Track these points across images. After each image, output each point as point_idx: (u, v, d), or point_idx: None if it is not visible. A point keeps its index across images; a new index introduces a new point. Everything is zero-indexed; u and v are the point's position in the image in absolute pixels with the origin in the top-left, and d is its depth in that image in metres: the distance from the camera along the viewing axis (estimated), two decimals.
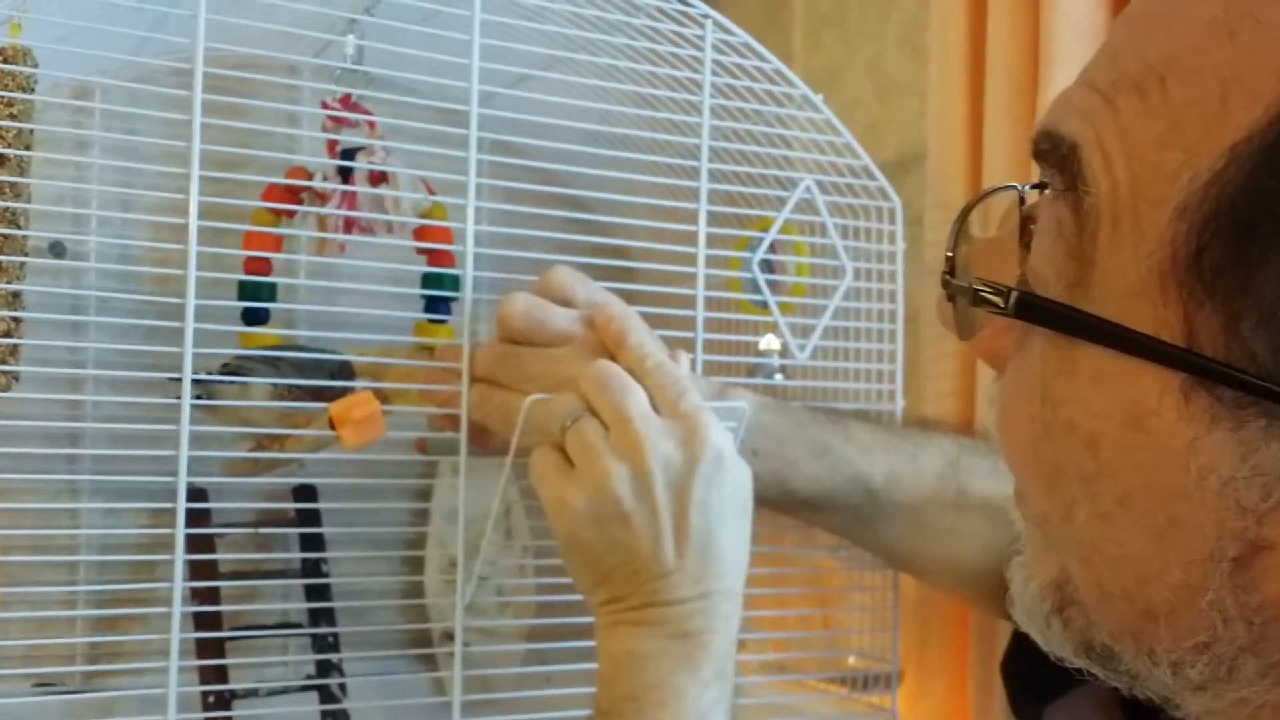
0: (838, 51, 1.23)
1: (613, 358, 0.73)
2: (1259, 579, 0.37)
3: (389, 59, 0.83)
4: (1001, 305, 0.41)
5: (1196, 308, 0.36)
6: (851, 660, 0.95)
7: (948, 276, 0.45)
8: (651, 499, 0.68)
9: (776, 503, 0.81)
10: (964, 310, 0.44)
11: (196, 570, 0.82)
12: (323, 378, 0.79)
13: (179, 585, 0.70)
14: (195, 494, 0.82)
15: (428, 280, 0.87)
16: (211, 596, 0.83)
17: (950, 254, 0.46)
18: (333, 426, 0.74)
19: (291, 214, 0.85)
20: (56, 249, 0.87)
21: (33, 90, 0.71)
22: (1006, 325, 0.43)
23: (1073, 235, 0.39)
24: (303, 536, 0.90)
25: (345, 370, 0.80)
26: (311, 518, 0.90)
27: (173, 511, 0.71)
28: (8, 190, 0.70)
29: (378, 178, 0.83)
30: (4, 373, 0.70)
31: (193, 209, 0.70)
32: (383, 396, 0.77)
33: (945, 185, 1.02)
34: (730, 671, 0.70)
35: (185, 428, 0.70)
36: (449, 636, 0.92)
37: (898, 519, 0.83)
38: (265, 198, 0.84)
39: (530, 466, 0.72)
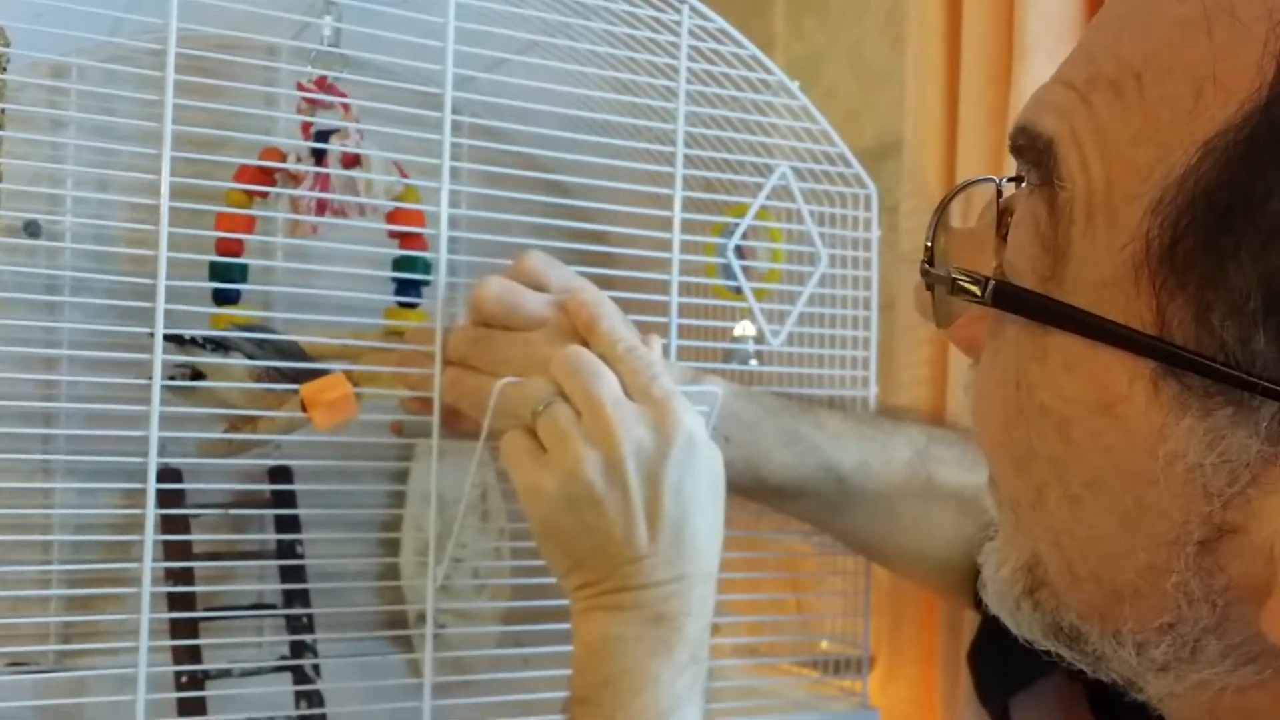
0: (819, 38, 1.24)
1: (584, 342, 0.73)
2: (1223, 562, 0.38)
3: (366, 41, 0.83)
4: (979, 294, 0.42)
5: (1168, 298, 0.37)
6: (823, 645, 0.95)
7: (926, 265, 0.46)
8: (624, 484, 0.68)
9: (747, 490, 0.81)
10: (942, 298, 0.45)
11: (170, 551, 0.82)
12: (295, 360, 0.79)
13: (148, 565, 0.70)
14: (169, 474, 0.82)
15: (399, 264, 0.87)
16: (185, 577, 0.83)
17: (929, 243, 0.46)
18: (304, 408, 0.74)
19: (264, 195, 0.85)
20: (31, 228, 0.87)
21: (6, 69, 0.71)
22: (981, 314, 0.44)
23: (1048, 229, 0.40)
24: (278, 518, 0.90)
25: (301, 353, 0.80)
26: (287, 499, 0.91)
27: (145, 492, 0.71)
28: None
29: (351, 160, 0.83)
30: None
31: (164, 189, 0.70)
32: (355, 379, 0.77)
33: (921, 173, 1.02)
34: (704, 655, 0.70)
35: (155, 408, 0.70)
36: (424, 618, 0.93)
37: (866, 507, 0.83)
38: (238, 178, 0.83)
39: (502, 450, 0.72)
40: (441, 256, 0.78)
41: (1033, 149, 0.41)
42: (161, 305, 0.70)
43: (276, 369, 0.79)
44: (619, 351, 0.72)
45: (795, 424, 0.81)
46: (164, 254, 0.70)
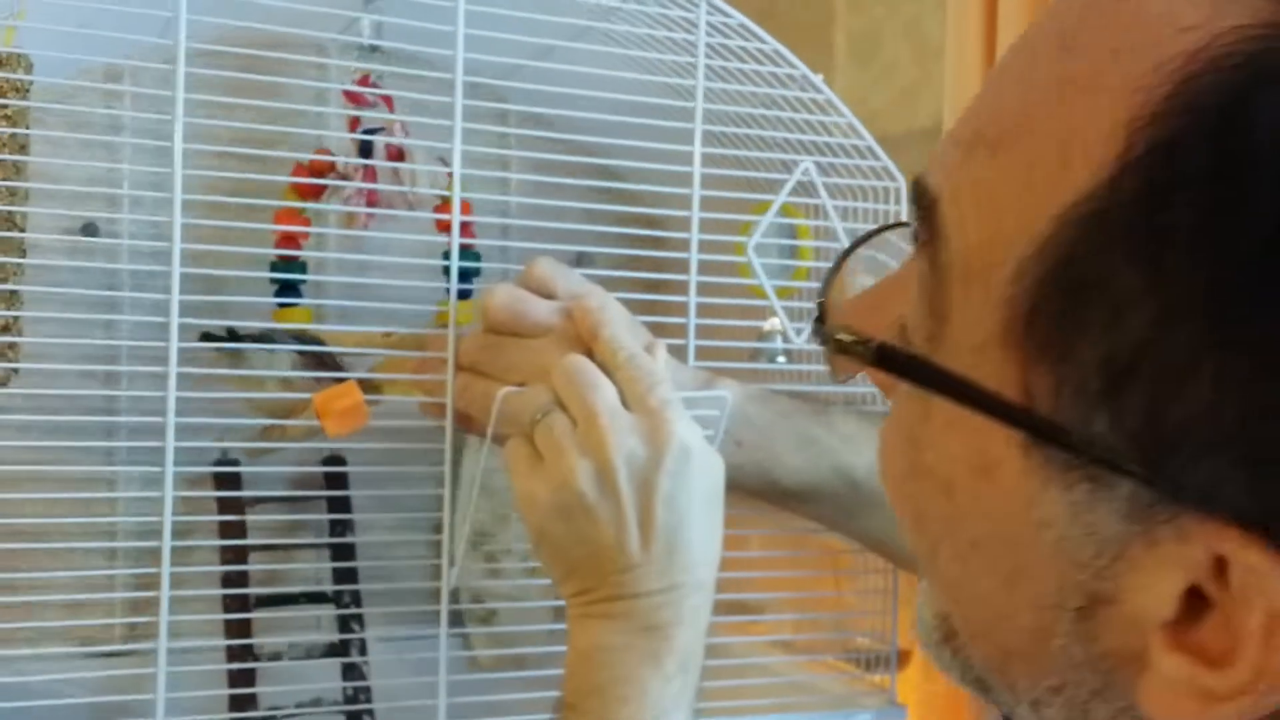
0: (878, 11, 1.20)
1: (589, 349, 0.74)
2: (1099, 630, 0.37)
3: (409, 34, 0.83)
4: (863, 355, 0.41)
5: (1031, 369, 0.36)
6: (855, 641, 0.94)
7: (819, 323, 0.45)
8: (615, 493, 0.68)
9: (760, 493, 0.81)
10: (832, 356, 0.44)
11: (226, 539, 0.85)
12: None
13: (166, 570, 0.73)
14: (222, 472, 0.86)
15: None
16: (240, 574, 0.86)
17: (822, 299, 0.45)
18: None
19: (317, 196, 0.87)
20: (89, 230, 0.91)
21: (28, 93, 0.73)
22: None
23: (932, 289, 0.40)
24: (330, 504, 0.93)
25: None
26: (339, 484, 0.93)
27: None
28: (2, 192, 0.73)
29: (395, 155, 0.85)
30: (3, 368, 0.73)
31: (177, 186, 0.72)
32: (375, 386, 0.79)
33: None
34: (695, 666, 0.70)
35: (171, 410, 0.73)
36: (473, 598, 0.95)
37: (880, 510, 0.81)
38: (292, 184, 0.86)
39: (504, 458, 0.73)
40: (454, 256, 0.79)
41: (921, 204, 0.40)
42: (176, 299, 0.73)
43: (317, 362, 0.82)
44: (619, 360, 0.72)
45: (808, 427, 0.81)
46: (177, 247, 0.72)
